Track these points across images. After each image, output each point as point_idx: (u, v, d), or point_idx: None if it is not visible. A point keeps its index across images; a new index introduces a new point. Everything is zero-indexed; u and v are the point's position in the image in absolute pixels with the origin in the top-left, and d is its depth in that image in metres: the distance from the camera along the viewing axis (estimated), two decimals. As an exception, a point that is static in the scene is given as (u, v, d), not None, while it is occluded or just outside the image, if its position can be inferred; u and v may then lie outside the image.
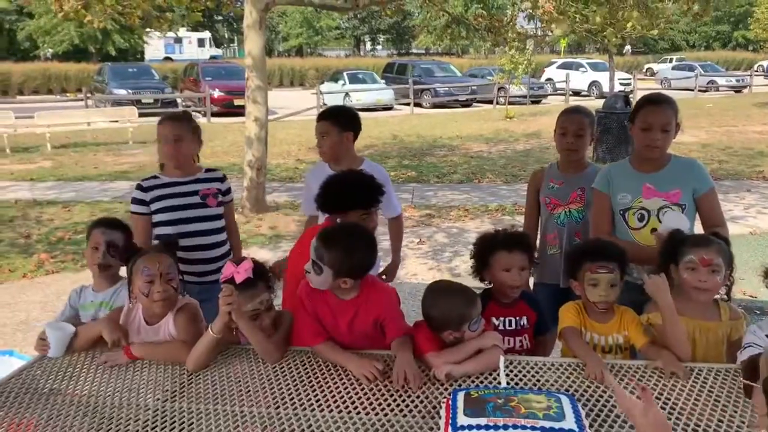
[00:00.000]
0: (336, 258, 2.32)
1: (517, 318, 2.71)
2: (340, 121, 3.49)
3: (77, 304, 2.88)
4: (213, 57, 44.77)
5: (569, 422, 1.79)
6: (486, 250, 2.75)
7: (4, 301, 5.84)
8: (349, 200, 2.79)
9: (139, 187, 3.31)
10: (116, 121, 17.09)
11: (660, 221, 2.91)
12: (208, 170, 3.45)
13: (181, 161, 3.30)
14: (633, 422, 1.71)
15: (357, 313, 2.45)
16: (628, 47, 18.62)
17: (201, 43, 47.50)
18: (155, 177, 3.33)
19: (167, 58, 42.39)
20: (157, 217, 3.28)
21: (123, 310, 2.65)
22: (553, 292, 3.38)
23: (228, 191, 3.48)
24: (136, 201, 3.29)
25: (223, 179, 3.46)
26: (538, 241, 3.59)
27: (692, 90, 28.04)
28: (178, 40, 44.29)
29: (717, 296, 2.53)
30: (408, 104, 23.75)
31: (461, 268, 6.32)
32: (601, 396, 2.14)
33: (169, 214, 3.26)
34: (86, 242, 2.93)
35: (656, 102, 2.97)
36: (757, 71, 33.53)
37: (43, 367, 2.48)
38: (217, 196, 3.37)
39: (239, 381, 2.30)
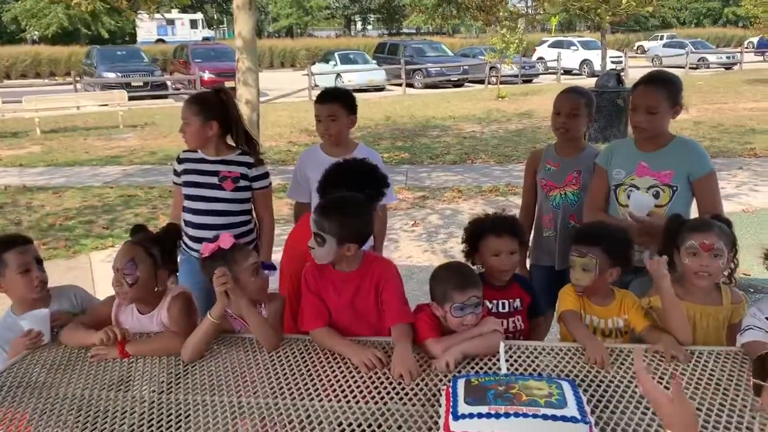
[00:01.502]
0: (336, 224, 2.34)
1: (510, 300, 2.73)
2: (349, 104, 3.41)
3: (17, 330, 2.57)
4: (206, 38, 44.12)
5: (571, 409, 1.77)
6: (475, 235, 2.77)
7: (-4, 289, 5.79)
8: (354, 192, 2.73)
9: (177, 158, 3.42)
10: (106, 105, 16.93)
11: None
12: (242, 153, 3.33)
13: (190, 142, 3.31)
14: (659, 412, 1.56)
15: (359, 286, 2.45)
16: (607, 26, 18.53)
17: (194, 24, 46.73)
18: (194, 152, 3.36)
19: (159, 40, 41.77)
20: (183, 190, 3.35)
21: (114, 302, 2.62)
22: (549, 274, 3.38)
23: (258, 178, 3.34)
24: (174, 172, 3.43)
25: (251, 165, 3.31)
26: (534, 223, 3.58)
27: (683, 67, 27.99)
28: (171, 22, 43.66)
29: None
30: (400, 85, 23.61)
31: (455, 250, 6.29)
32: (602, 381, 2.12)
33: (191, 189, 3.32)
34: None
35: (645, 83, 2.94)
36: (747, 48, 33.51)
37: (35, 361, 2.44)
38: (237, 180, 3.27)
39: (235, 371, 2.27)
